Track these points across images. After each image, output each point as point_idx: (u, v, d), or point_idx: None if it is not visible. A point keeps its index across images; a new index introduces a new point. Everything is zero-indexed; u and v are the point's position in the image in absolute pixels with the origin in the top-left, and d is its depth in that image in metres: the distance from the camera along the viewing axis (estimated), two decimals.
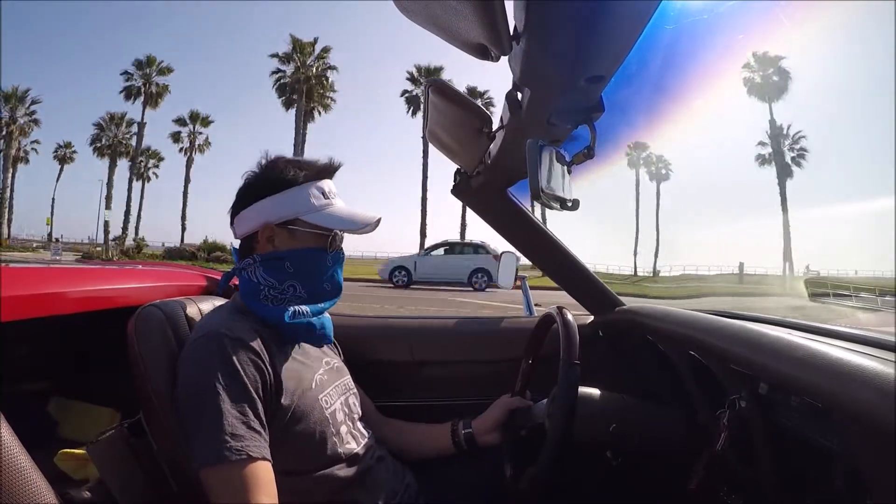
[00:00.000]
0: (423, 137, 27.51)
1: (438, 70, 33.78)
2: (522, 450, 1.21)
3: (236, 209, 1.08)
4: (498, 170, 1.30)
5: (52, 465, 1.15)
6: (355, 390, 1.20)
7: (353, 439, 1.09)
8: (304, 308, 1.05)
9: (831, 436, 0.80)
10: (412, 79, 35.04)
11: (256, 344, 0.94)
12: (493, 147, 1.16)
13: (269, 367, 0.94)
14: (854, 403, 0.68)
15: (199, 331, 0.96)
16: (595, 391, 1.17)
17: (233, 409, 0.85)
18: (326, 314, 1.12)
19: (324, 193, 1.07)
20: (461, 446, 1.27)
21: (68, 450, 1.18)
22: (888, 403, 0.62)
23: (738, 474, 0.99)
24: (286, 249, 1.04)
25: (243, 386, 0.88)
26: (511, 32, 0.67)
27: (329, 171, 1.11)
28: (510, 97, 0.91)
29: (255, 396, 0.89)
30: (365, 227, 1.08)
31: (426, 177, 33.37)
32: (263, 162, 1.09)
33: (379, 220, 1.10)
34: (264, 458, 0.85)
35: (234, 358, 0.89)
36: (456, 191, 1.52)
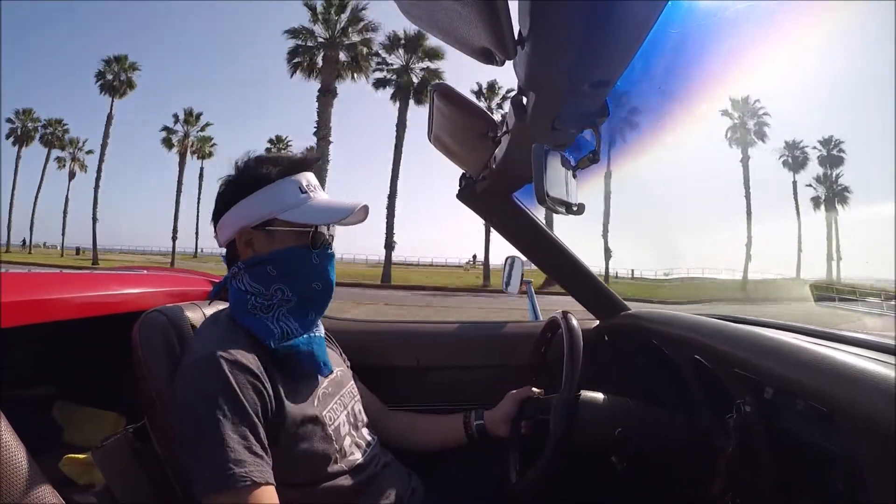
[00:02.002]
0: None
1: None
2: (528, 448, 1.21)
3: (216, 216, 1.03)
4: (503, 174, 1.30)
5: (57, 469, 1.15)
6: (359, 397, 1.19)
7: (357, 449, 1.08)
8: (293, 325, 1.00)
9: (837, 440, 0.80)
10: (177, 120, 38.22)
11: (254, 365, 0.90)
12: (499, 152, 1.16)
13: (268, 388, 0.91)
14: (860, 407, 0.67)
15: (195, 352, 0.92)
16: (600, 395, 1.16)
17: (234, 435, 0.82)
18: (319, 331, 1.08)
19: (300, 188, 1.01)
20: (473, 437, 1.28)
21: (73, 455, 1.18)
22: (894, 408, 0.62)
23: (744, 479, 0.99)
24: (267, 252, 0.99)
25: (244, 410, 0.85)
26: (516, 37, 0.67)
27: (305, 164, 1.04)
28: (515, 102, 0.91)
29: (256, 420, 0.86)
30: (346, 216, 1.02)
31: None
32: (239, 164, 1.04)
33: (366, 208, 1.04)
34: (268, 483, 0.83)
35: (233, 381, 0.86)
36: (461, 195, 1.52)
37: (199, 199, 45.17)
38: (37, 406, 1.34)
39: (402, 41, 25.63)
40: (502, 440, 1.27)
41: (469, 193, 1.50)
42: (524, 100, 0.89)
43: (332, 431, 1.01)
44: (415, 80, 26.10)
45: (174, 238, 34.79)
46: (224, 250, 1.05)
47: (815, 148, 40.19)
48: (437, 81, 1.17)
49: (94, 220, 33.50)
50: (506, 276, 2.11)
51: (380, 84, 26.25)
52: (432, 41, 25.51)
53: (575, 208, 0.94)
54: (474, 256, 52.92)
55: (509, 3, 0.61)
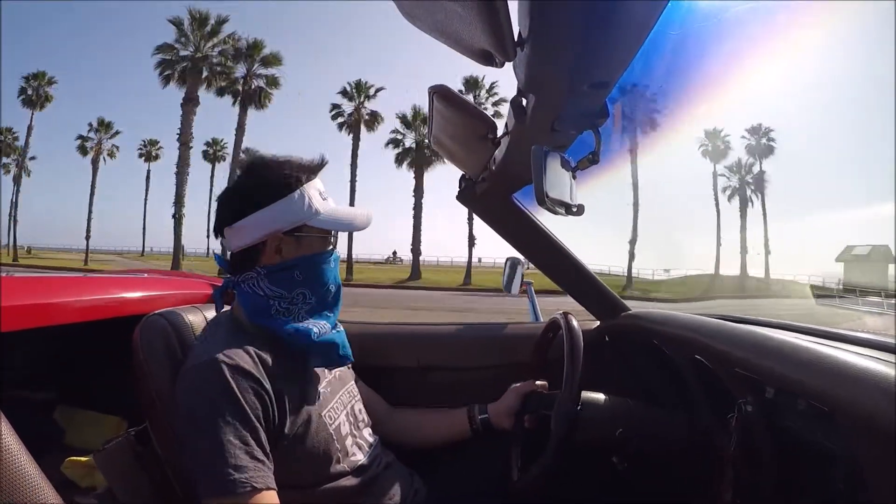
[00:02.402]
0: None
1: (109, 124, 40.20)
2: (530, 444, 1.21)
3: (230, 219, 1.00)
4: (503, 176, 1.30)
5: (59, 472, 1.15)
6: (359, 396, 1.19)
7: (358, 450, 1.08)
8: (324, 323, 1.02)
9: (837, 440, 0.80)
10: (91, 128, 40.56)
11: (256, 370, 0.91)
12: (498, 153, 1.16)
13: (269, 393, 0.91)
14: (861, 407, 0.67)
15: (197, 357, 0.92)
16: (601, 396, 1.17)
17: (234, 440, 0.83)
18: (340, 327, 1.09)
19: (320, 194, 1.03)
20: (478, 431, 1.28)
21: (75, 457, 1.18)
22: (895, 407, 0.62)
23: (745, 479, 0.99)
24: (294, 257, 1.00)
25: (245, 415, 0.86)
26: (515, 38, 0.67)
27: (320, 169, 1.05)
28: (515, 103, 0.91)
29: (257, 425, 0.87)
30: (367, 225, 1.07)
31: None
32: (250, 164, 1.03)
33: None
34: (268, 488, 0.83)
35: (235, 386, 0.86)
36: (461, 197, 1.52)
37: (145, 199, 49.86)
38: (38, 409, 1.34)
39: (244, 50, 27.51)
40: (505, 436, 1.27)
41: (469, 195, 1.50)
42: (524, 101, 0.89)
43: (332, 431, 1.02)
44: (262, 85, 28.01)
45: (87, 237, 36.94)
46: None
47: (743, 137, 38.37)
48: (437, 84, 1.15)
49: (14, 220, 37.40)
50: (506, 276, 2.10)
51: (221, 92, 27.80)
52: (271, 48, 28.18)
53: (575, 209, 0.94)
54: (394, 253, 53.99)
55: (509, 3, 0.61)
